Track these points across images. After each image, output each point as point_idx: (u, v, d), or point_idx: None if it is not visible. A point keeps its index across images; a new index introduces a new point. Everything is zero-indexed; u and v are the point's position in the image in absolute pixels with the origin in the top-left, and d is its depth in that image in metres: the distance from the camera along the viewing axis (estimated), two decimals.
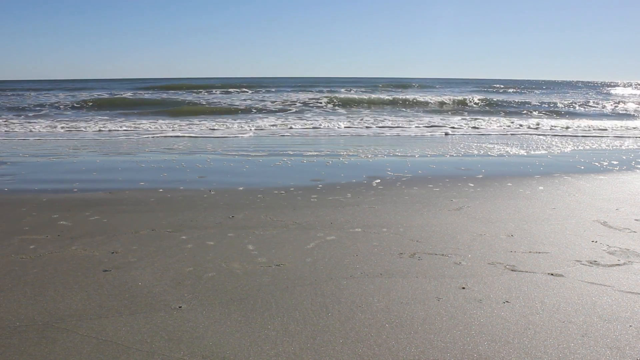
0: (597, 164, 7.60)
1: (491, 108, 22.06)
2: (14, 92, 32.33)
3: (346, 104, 22.19)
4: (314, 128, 13.76)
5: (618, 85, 52.19)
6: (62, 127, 13.58)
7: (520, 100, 25.20)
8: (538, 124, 14.87)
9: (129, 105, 21.09)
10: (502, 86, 46.36)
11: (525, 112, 20.55)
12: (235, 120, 15.82)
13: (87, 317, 2.55)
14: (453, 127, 14.11)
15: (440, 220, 4.38)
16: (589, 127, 14.36)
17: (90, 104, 21.55)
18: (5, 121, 15.21)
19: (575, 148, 9.76)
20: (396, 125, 14.46)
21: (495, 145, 10.01)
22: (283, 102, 22.03)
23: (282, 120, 15.85)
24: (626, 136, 12.36)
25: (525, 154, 8.88)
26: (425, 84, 46.55)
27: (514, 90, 39.82)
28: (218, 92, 30.49)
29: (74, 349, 2.26)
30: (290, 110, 19.76)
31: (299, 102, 21.92)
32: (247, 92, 30.89)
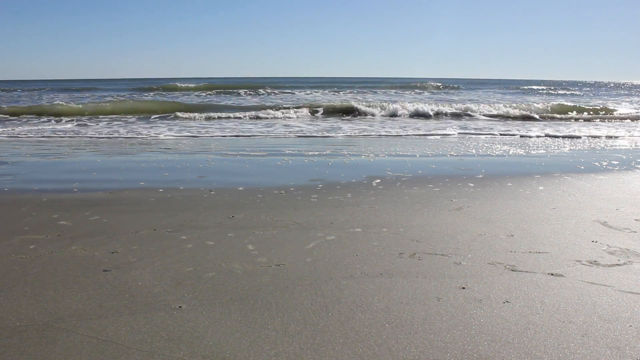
0: (597, 164, 7.60)
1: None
2: (13, 92, 32.34)
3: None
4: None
5: None
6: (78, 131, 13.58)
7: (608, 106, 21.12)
8: None
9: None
10: (536, 87, 45.10)
11: None
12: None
13: (87, 317, 2.55)
14: None
15: (440, 220, 4.38)
16: None
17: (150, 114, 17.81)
18: (6, 121, 15.21)
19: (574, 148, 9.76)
20: None
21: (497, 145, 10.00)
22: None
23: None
24: None
25: (525, 153, 8.88)
26: (465, 85, 45.04)
27: (566, 91, 37.88)
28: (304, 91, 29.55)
29: (74, 349, 2.26)
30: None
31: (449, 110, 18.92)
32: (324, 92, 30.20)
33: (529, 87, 46.35)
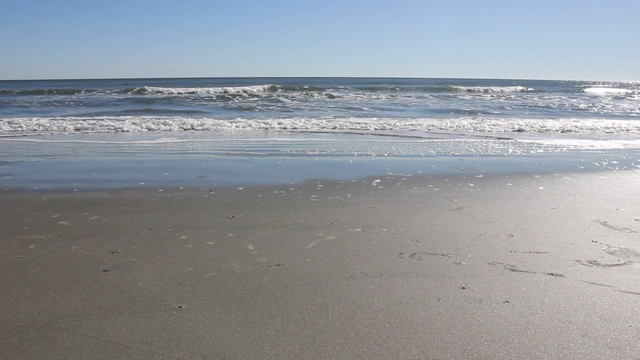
0: (597, 163, 7.60)
1: None
2: (19, 94, 32.29)
3: None
4: None
5: None
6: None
7: None
8: None
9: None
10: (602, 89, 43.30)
11: None
12: None
13: (87, 317, 2.55)
14: None
15: (440, 220, 4.38)
16: None
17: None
18: (9, 121, 15.20)
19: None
20: None
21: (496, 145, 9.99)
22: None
23: None
24: None
25: (525, 154, 8.88)
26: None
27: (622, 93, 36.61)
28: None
29: (74, 349, 2.26)
30: None
31: None
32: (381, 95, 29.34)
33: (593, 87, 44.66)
